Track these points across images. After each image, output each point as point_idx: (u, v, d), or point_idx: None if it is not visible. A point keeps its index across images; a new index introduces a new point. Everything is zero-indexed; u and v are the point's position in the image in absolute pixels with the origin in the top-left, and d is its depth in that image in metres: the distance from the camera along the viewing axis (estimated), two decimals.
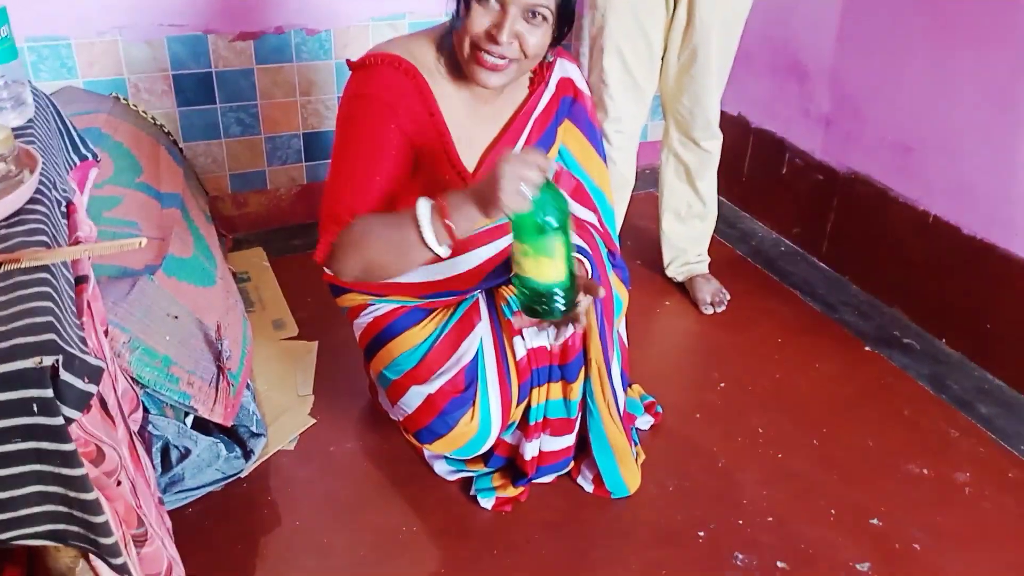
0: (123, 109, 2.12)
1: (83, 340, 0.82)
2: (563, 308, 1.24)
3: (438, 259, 1.26)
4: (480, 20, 1.28)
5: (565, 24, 1.34)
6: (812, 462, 1.77)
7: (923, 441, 1.84)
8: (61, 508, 0.77)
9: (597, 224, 1.62)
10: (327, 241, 1.35)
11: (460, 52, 1.33)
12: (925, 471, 1.76)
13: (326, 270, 1.40)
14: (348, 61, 1.39)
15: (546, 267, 1.20)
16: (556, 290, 1.22)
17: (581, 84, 1.55)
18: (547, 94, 1.50)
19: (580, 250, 1.47)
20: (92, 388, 0.75)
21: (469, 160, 1.45)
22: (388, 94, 1.34)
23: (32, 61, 2.10)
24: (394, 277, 1.36)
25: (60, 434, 0.73)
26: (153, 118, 2.21)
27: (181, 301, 1.59)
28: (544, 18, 1.30)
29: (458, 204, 1.22)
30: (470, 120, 1.44)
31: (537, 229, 1.16)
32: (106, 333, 1.24)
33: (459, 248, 1.47)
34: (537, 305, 1.24)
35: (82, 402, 0.74)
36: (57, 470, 0.74)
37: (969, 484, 1.73)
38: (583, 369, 1.54)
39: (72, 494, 0.76)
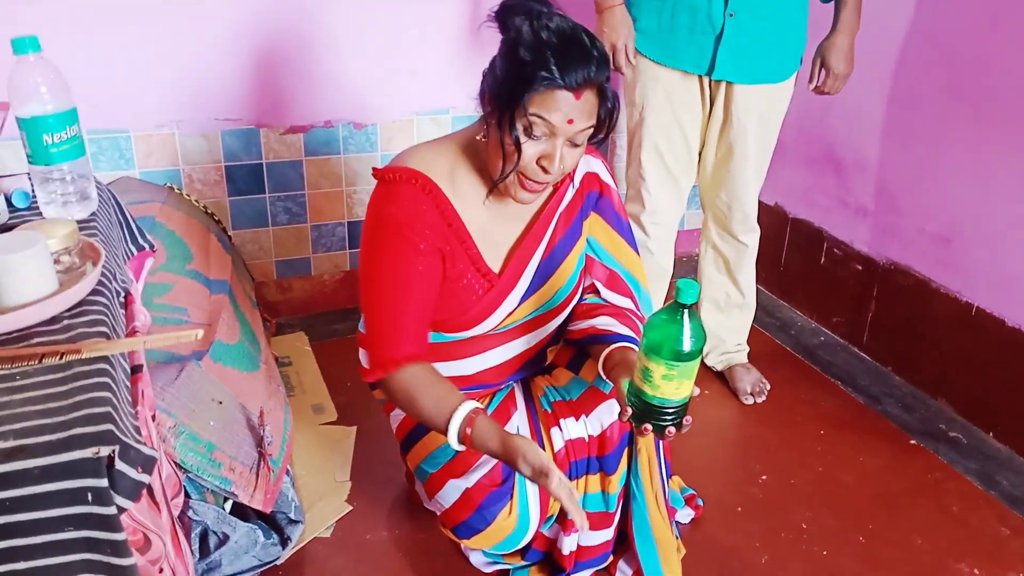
0: (176, 198, 2.21)
1: (137, 430, 0.84)
2: (674, 422, 1.26)
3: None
4: (530, 151, 1.30)
5: (607, 131, 1.37)
6: (858, 560, 1.72)
7: (973, 539, 1.78)
8: None
9: (636, 310, 1.62)
10: (375, 378, 1.42)
11: (500, 176, 1.35)
12: (976, 571, 1.70)
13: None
14: (374, 170, 1.43)
15: (671, 388, 1.22)
16: (675, 407, 1.24)
17: (606, 178, 1.57)
18: (571, 190, 1.52)
19: (629, 339, 1.48)
20: (145, 478, 0.77)
21: (494, 260, 1.47)
22: (406, 214, 1.37)
23: (92, 152, 2.20)
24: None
25: (112, 524, 0.74)
26: (204, 207, 2.29)
27: (226, 387, 1.62)
28: (585, 139, 1.33)
29: (482, 441, 1.33)
30: (493, 223, 1.46)
31: (676, 355, 1.18)
32: (153, 418, 1.27)
33: (489, 342, 1.50)
34: (651, 417, 1.26)
35: (135, 492, 0.76)
36: (107, 559, 0.75)
37: None
38: (621, 461, 1.52)
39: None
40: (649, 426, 1.26)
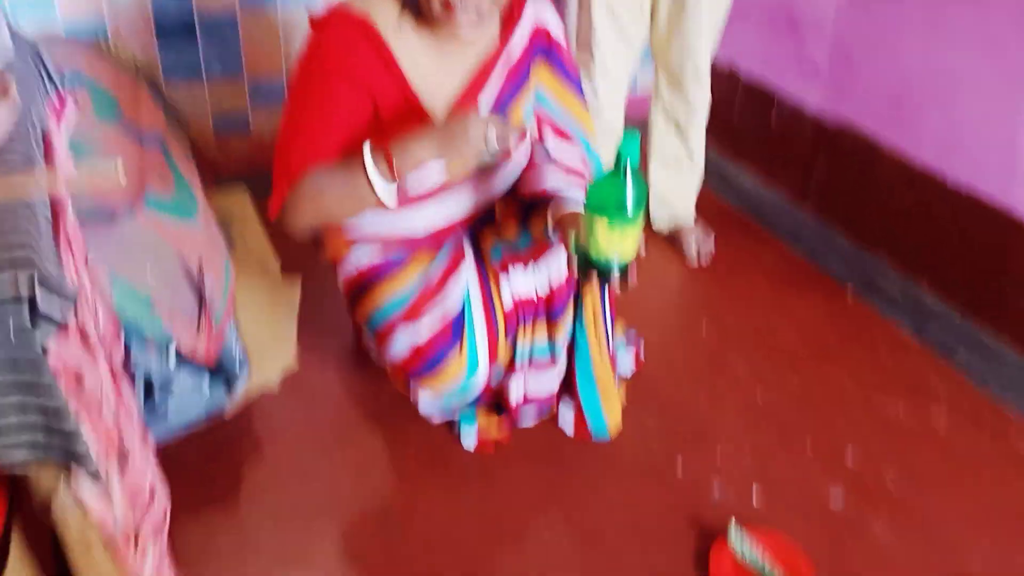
0: (103, 50, 2.09)
1: (59, 266, 0.82)
2: (618, 278, 1.29)
3: (383, 204, 1.30)
4: None
5: None
6: (791, 401, 1.80)
7: (901, 383, 1.86)
8: (40, 436, 0.77)
9: (584, 167, 1.60)
10: (280, 196, 1.37)
11: (429, 7, 1.30)
12: (902, 412, 1.78)
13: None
14: (311, 18, 1.37)
15: (614, 247, 1.24)
16: (618, 266, 1.27)
17: (556, 32, 1.52)
18: (519, 38, 1.47)
19: (579, 201, 1.47)
20: (67, 310, 0.75)
21: (439, 110, 1.43)
22: (340, 53, 1.32)
23: (11, 2, 2.06)
24: (345, 220, 1.41)
25: (37, 365, 0.73)
26: (134, 59, 2.18)
27: (162, 237, 1.58)
28: None
29: (403, 144, 1.27)
30: (438, 71, 1.41)
31: (618, 214, 1.20)
32: (87, 268, 1.24)
33: (435, 194, 1.47)
34: (598, 271, 1.28)
35: (56, 322, 0.74)
36: (38, 401, 0.74)
37: (945, 426, 1.75)
38: (567, 310, 1.54)
39: (55, 424, 0.76)
40: (596, 281, 1.29)
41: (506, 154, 1.35)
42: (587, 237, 1.24)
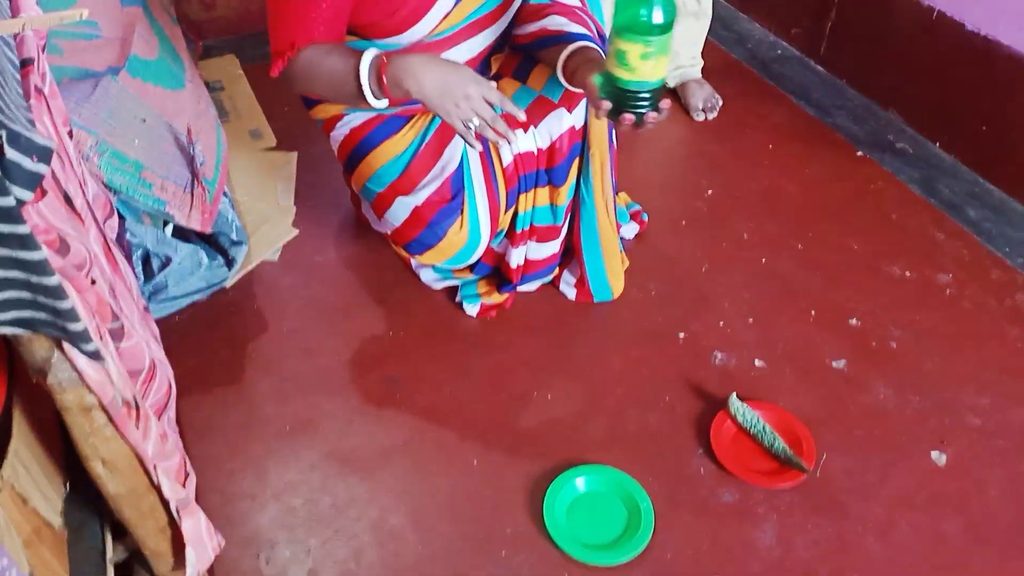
0: None
1: (31, 122, 0.77)
2: (652, 106, 1.23)
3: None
4: None
5: None
6: (795, 264, 1.78)
7: (908, 244, 1.84)
8: (25, 294, 0.75)
9: (585, 7, 1.52)
10: (276, 70, 1.34)
11: None
12: (908, 273, 1.77)
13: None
14: None
15: (648, 68, 1.18)
16: (652, 89, 1.21)
17: None
18: None
19: (584, 36, 1.40)
20: (42, 167, 0.72)
21: None
22: None
23: None
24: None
25: (12, 215, 0.70)
26: None
27: (148, 104, 1.52)
28: None
29: (397, 75, 1.25)
30: None
31: (650, 28, 1.13)
32: (70, 135, 1.20)
33: (433, 50, 1.39)
34: (628, 105, 1.22)
35: (32, 182, 0.71)
36: (14, 253, 0.71)
37: (951, 285, 1.74)
38: (570, 173, 1.50)
39: (34, 279, 0.74)
40: (630, 115, 1.23)
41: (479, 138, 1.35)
42: (616, 64, 1.18)
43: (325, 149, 1.71)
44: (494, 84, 1.31)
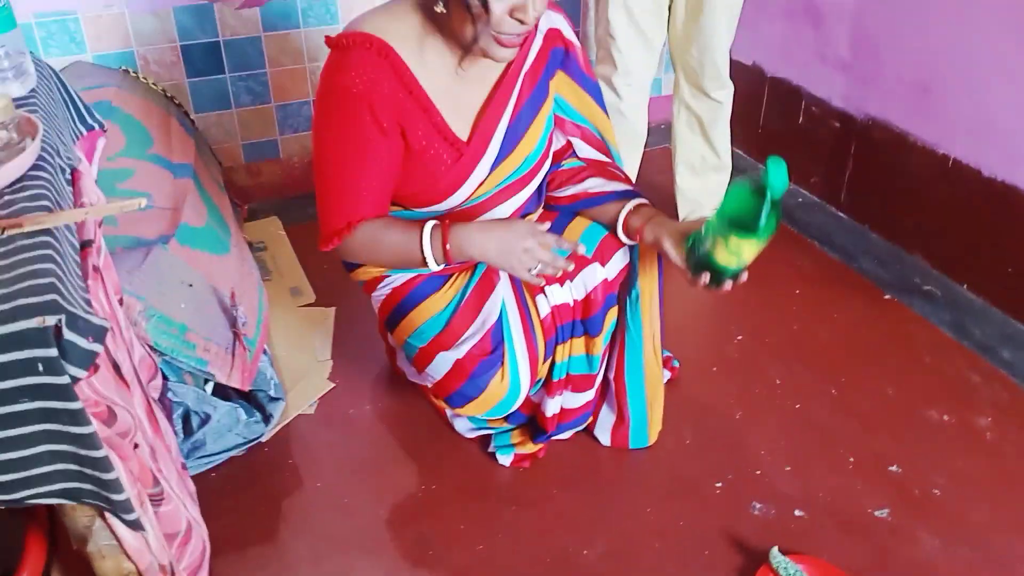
0: (133, 82, 2.13)
1: (87, 302, 0.83)
2: (734, 276, 1.32)
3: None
4: (500, 8, 1.24)
5: None
6: (831, 411, 1.76)
7: (944, 387, 1.82)
8: (72, 466, 0.78)
9: (613, 164, 1.60)
10: (330, 245, 1.42)
11: (473, 40, 1.29)
12: (946, 417, 1.74)
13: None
14: (327, 38, 1.36)
15: (747, 255, 1.27)
16: (740, 269, 1.31)
17: (569, 34, 1.51)
18: (535, 47, 1.46)
19: (632, 194, 1.50)
20: (97, 347, 0.76)
21: (461, 127, 1.42)
22: (361, 82, 1.31)
23: (42, 37, 2.10)
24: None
25: (66, 392, 0.74)
26: (163, 90, 2.21)
27: (195, 269, 1.60)
28: None
29: (460, 239, 1.36)
30: (457, 86, 1.40)
31: (761, 229, 1.21)
32: (121, 302, 1.26)
33: (461, 217, 1.47)
34: (712, 274, 1.32)
35: (87, 360, 0.75)
36: (66, 428, 0.75)
37: (991, 429, 1.71)
38: (605, 322, 1.53)
39: (82, 452, 0.77)
40: (716, 285, 1.32)
41: (548, 280, 1.45)
42: (722, 250, 1.26)
43: (361, 304, 1.77)
44: (546, 225, 1.39)
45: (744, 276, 1.32)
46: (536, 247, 1.35)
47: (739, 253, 1.25)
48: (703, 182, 2.29)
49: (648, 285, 1.54)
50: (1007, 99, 1.94)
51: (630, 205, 1.46)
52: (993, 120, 1.98)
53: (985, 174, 2.02)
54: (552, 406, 1.59)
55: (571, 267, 1.40)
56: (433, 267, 1.38)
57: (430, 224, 1.37)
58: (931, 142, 2.15)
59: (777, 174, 1.15)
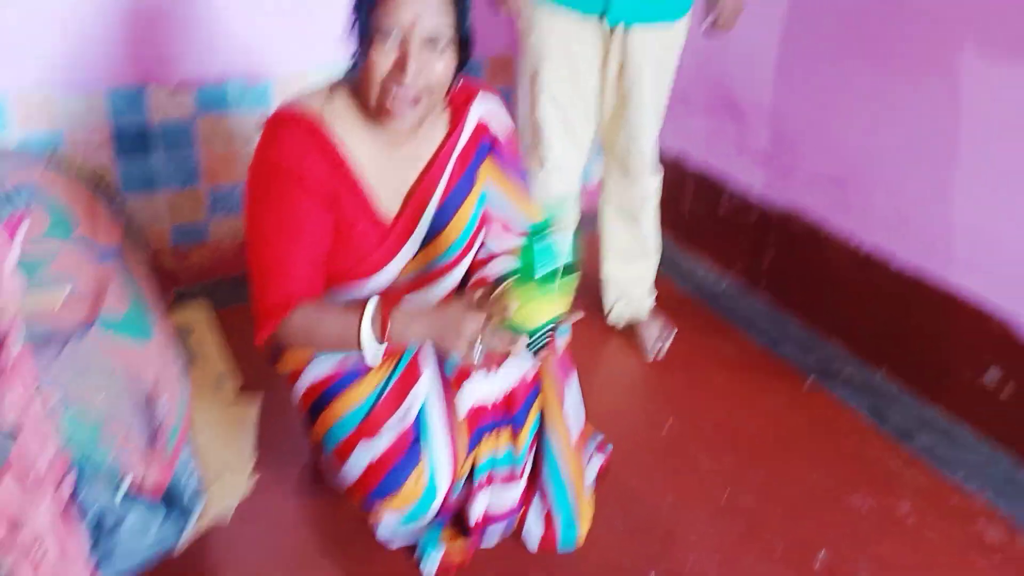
0: (59, 163, 2.09)
1: None
2: (540, 343, 1.29)
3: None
4: (383, 60, 1.28)
5: (467, 48, 1.36)
6: (758, 498, 1.79)
7: (866, 473, 1.87)
8: None
9: None
10: (267, 331, 1.38)
11: (368, 96, 1.33)
12: (868, 504, 1.78)
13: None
14: (262, 120, 1.39)
15: (532, 313, 1.24)
16: (550, 325, 1.27)
17: (497, 127, 1.54)
18: (465, 134, 1.49)
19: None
20: (5, 448, 0.73)
21: (391, 205, 1.44)
22: (291, 156, 1.33)
23: None
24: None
25: None
26: (93, 171, 2.18)
27: (115, 359, 1.56)
28: (447, 43, 1.31)
29: (401, 321, 1.32)
30: (388, 165, 1.43)
31: (542, 279, 1.20)
32: (38, 393, 1.21)
33: (393, 299, 1.47)
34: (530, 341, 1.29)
35: None
36: None
37: (912, 514, 1.76)
38: (529, 416, 1.53)
39: None
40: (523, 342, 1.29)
41: (490, 361, 1.40)
42: (510, 307, 1.24)
43: (288, 396, 1.73)
44: (481, 316, 1.31)
45: (562, 340, 1.30)
46: (469, 334, 1.30)
47: (524, 307, 1.23)
48: (631, 269, 2.34)
49: (549, 384, 1.53)
50: (918, 193, 2.05)
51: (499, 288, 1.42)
52: (904, 212, 2.09)
53: (898, 263, 2.12)
54: (477, 506, 1.55)
55: (518, 347, 1.33)
56: (369, 349, 1.33)
57: (371, 307, 1.33)
58: (846, 231, 2.25)
59: (552, 212, 1.18)
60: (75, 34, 2.10)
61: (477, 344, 1.30)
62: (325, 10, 2.27)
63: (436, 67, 1.31)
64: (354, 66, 1.38)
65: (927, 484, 1.84)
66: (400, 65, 1.28)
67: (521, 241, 1.23)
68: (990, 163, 1.89)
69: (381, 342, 1.33)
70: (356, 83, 1.38)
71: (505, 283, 1.27)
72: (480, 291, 1.33)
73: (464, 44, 1.35)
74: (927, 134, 2.01)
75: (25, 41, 2.06)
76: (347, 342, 1.34)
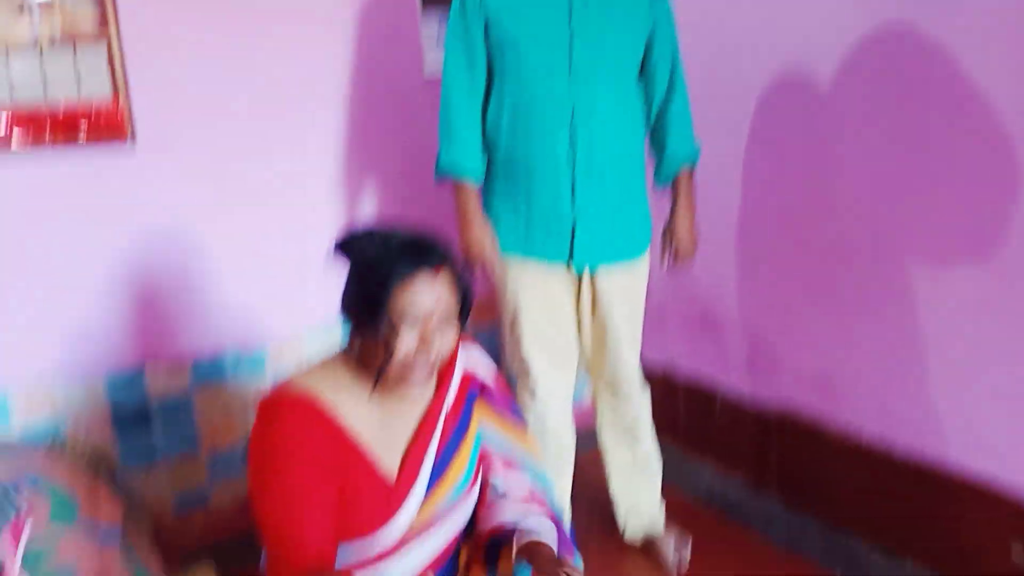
0: (60, 450, 2.12)
1: None
2: None
3: None
4: (406, 344, 1.38)
5: (465, 314, 1.46)
6: None
7: None
8: None
9: (533, 491, 1.63)
10: None
11: (384, 374, 1.40)
12: None
13: None
14: (258, 404, 1.44)
15: None
16: None
17: (484, 374, 1.63)
18: (453, 388, 1.57)
19: (536, 531, 1.49)
20: None
21: (391, 464, 1.48)
22: (291, 438, 1.38)
23: None
24: None
25: None
26: (93, 451, 2.20)
27: None
28: (454, 316, 1.42)
29: None
30: (385, 428, 1.48)
31: None
32: None
33: (399, 552, 1.47)
34: None
35: None
36: None
37: None
38: None
39: None
40: None
41: None
42: None
43: None
44: None
45: None
46: None
47: None
48: (637, 487, 2.33)
49: None
50: (900, 382, 2.09)
51: (518, 535, 1.46)
52: (892, 403, 2.12)
53: (897, 454, 2.12)
54: None
55: None
56: None
57: None
58: (842, 426, 2.26)
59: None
60: (74, 326, 2.20)
61: None
62: (315, 277, 2.41)
63: (446, 341, 1.42)
64: (351, 342, 1.45)
65: None
66: (423, 345, 1.39)
67: (551, 492, 1.24)
68: (962, 345, 1.96)
69: None
70: (355, 357, 1.45)
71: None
72: None
73: (464, 312, 1.46)
74: (895, 326, 2.08)
75: (26, 337, 2.15)
76: None
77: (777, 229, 2.36)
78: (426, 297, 1.37)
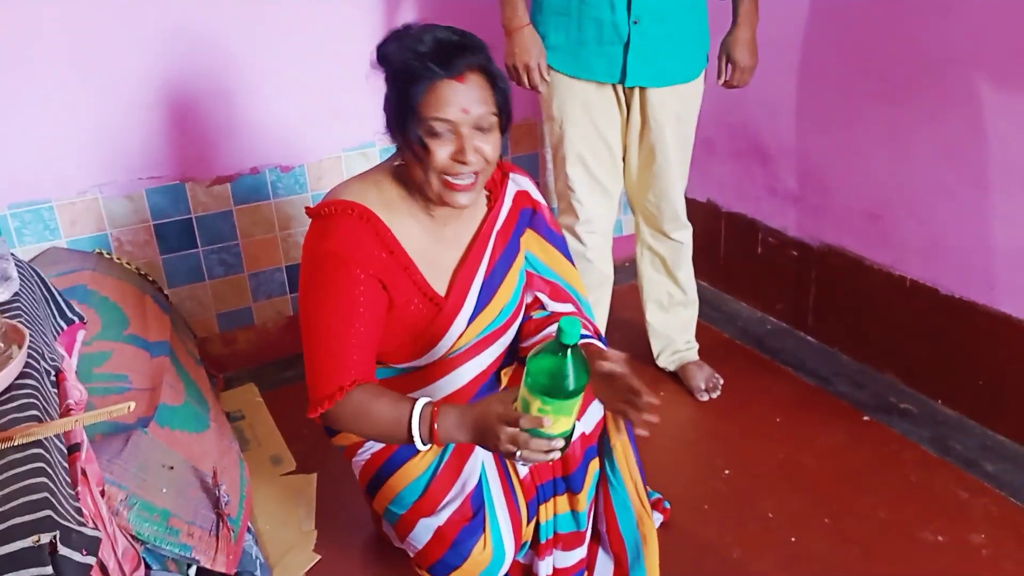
0: (107, 264, 2.16)
1: (79, 511, 0.82)
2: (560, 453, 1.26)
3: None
4: (441, 152, 1.33)
5: (507, 119, 1.40)
6: (828, 541, 1.75)
7: (935, 506, 1.82)
8: None
9: (579, 312, 1.64)
10: (320, 410, 1.37)
11: (427, 185, 1.37)
12: (941, 537, 1.74)
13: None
14: (307, 208, 1.43)
15: (560, 423, 1.22)
16: (548, 438, 1.23)
17: (536, 196, 1.60)
18: (505, 208, 1.54)
19: (586, 336, 1.49)
20: (90, 559, 0.75)
21: (439, 283, 1.47)
22: (345, 246, 1.36)
23: (16, 227, 2.14)
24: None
25: None
26: (137, 268, 2.25)
27: (175, 450, 1.58)
28: (492, 124, 1.36)
29: (447, 422, 1.30)
30: (435, 246, 1.47)
31: (563, 393, 1.18)
32: (103, 493, 1.24)
33: (441, 369, 1.49)
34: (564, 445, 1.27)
35: (81, 574, 0.74)
36: None
37: (986, 545, 1.71)
38: (587, 477, 1.52)
39: None
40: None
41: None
42: (520, 408, 1.21)
43: (343, 468, 1.74)
44: (517, 413, 1.26)
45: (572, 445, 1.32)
46: (506, 439, 1.24)
47: (539, 415, 1.19)
48: (672, 317, 2.34)
49: (617, 437, 1.52)
50: (952, 220, 2.04)
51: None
52: (943, 240, 2.08)
53: (943, 292, 2.10)
54: (544, 568, 1.54)
55: (555, 454, 1.27)
56: (420, 447, 1.33)
57: (420, 403, 1.33)
58: (887, 264, 2.24)
59: (568, 326, 1.13)
60: (113, 139, 2.19)
61: (517, 454, 1.26)
62: (351, 94, 2.35)
63: (486, 149, 1.35)
64: (397, 155, 1.42)
65: (999, 513, 1.79)
66: (458, 155, 1.33)
67: (542, 347, 1.21)
68: (1018, 185, 1.88)
69: (427, 443, 1.32)
70: (400, 171, 1.42)
71: (530, 389, 1.22)
72: (511, 391, 1.29)
73: (506, 116, 1.39)
74: (951, 163, 2.01)
75: (66, 149, 2.15)
76: (395, 432, 1.34)
77: (839, 58, 2.23)
78: (458, 100, 1.31)
